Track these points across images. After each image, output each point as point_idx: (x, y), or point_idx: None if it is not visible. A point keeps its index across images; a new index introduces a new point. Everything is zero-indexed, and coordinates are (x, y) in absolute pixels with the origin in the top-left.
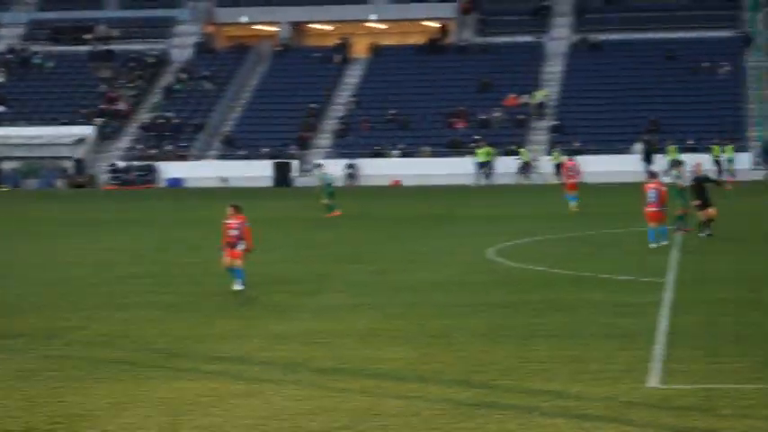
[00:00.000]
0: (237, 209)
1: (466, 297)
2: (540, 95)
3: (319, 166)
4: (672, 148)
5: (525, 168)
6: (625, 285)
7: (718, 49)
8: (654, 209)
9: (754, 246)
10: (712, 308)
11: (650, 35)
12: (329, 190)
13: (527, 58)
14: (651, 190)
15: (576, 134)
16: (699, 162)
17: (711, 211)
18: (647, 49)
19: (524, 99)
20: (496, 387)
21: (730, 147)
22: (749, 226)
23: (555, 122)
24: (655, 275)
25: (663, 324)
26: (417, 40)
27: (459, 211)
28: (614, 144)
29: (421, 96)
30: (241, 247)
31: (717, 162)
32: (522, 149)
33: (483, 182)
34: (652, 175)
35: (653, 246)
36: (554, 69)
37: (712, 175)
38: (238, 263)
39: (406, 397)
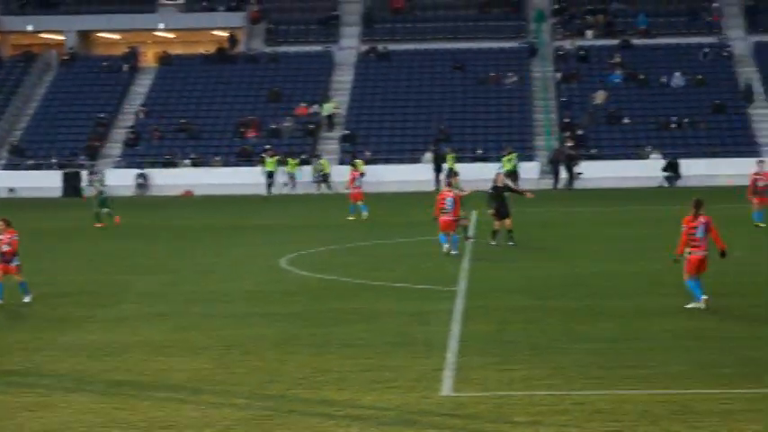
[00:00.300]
0: (7, 223)
1: (260, 307)
2: (329, 107)
3: (94, 174)
4: (450, 157)
5: (323, 178)
6: (418, 294)
7: (505, 59)
8: (449, 217)
9: (542, 254)
10: (503, 316)
11: (438, 45)
12: (101, 198)
13: (317, 68)
14: (447, 198)
15: (366, 143)
16: (499, 171)
17: (507, 221)
18: (436, 59)
19: (315, 108)
20: (291, 397)
21: (508, 156)
22: (538, 234)
23: (345, 132)
24: (447, 284)
25: (455, 332)
26: (206, 49)
27: (252, 220)
28: (405, 153)
29: (211, 106)
30: (16, 262)
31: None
32: (322, 160)
33: (274, 191)
34: (448, 183)
35: (445, 253)
36: (344, 79)
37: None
38: (18, 278)
39: (201, 408)
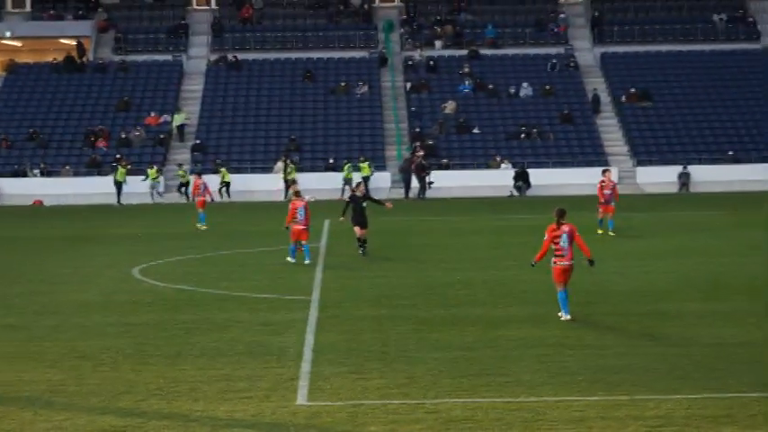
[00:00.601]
0: None
1: (113, 317)
2: (179, 119)
3: None
4: (292, 168)
5: (182, 187)
6: (272, 303)
7: (355, 69)
8: (301, 227)
9: (395, 263)
10: (357, 325)
11: (288, 54)
12: None
13: (166, 77)
14: (300, 208)
15: (218, 153)
16: (360, 181)
17: (363, 231)
18: (286, 69)
19: (165, 118)
20: (145, 408)
21: (348, 165)
22: (390, 244)
23: (196, 142)
24: (300, 293)
25: (309, 342)
26: (55, 57)
27: (104, 230)
28: (257, 163)
29: (60, 115)
30: None
31: (365, 179)
32: (182, 169)
33: (142, 201)
34: (296, 193)
35: (295, 263)
36: (194, 88)
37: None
38: None
39: (54, 420)
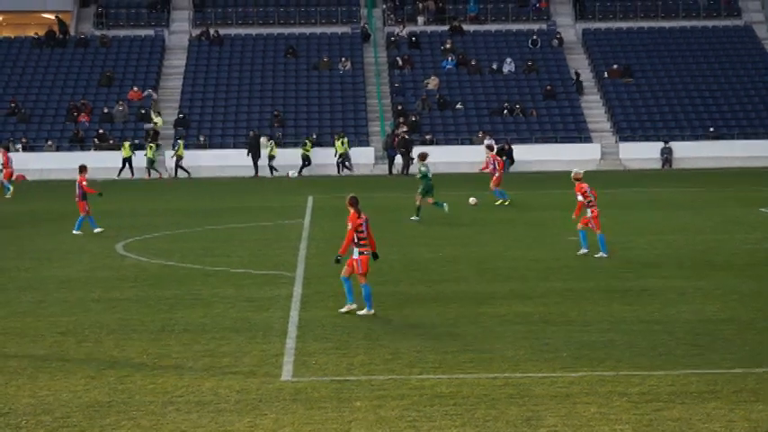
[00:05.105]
0: None
1: (96, 293)
2: (150, 126)
3: None
4: (272, 144)
5: (178, 161)
6: (256, 279)
7: (338, 44)
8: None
9: (377, 239)
10: (340, 301)
11: (270, 30)
12: None
13: (148, 52)
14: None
15: (200, 128)
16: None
17: None
18: (268, 44)
19: (148, 92)
20: (130, 383)
21: (342, 139)
22: (372, 220)
23: (179, 116)
24: (284, 269)
25: (294, 318)
26: (36, 32)
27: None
28: (240, 138)
29: (42, 90)
30: None
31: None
32: (180, 143)
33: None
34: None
35: (78, 233)
36: (176, 63)
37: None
38: None
39: (38, 395)
